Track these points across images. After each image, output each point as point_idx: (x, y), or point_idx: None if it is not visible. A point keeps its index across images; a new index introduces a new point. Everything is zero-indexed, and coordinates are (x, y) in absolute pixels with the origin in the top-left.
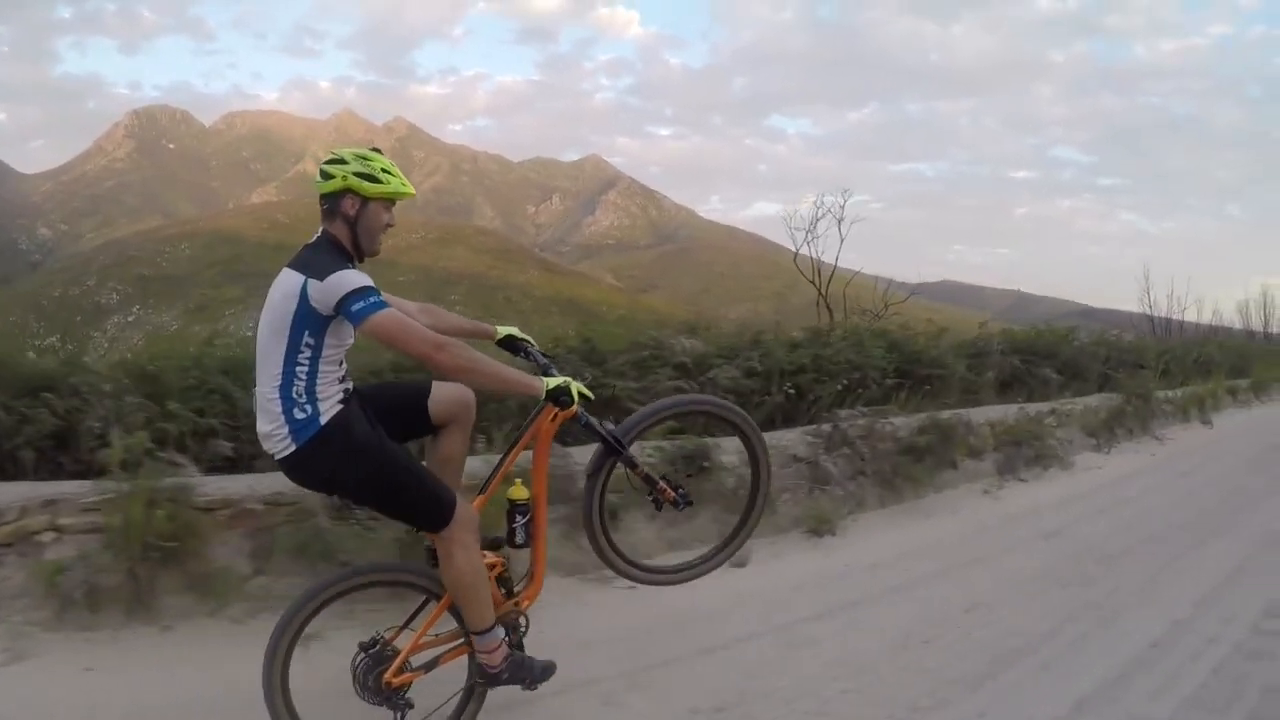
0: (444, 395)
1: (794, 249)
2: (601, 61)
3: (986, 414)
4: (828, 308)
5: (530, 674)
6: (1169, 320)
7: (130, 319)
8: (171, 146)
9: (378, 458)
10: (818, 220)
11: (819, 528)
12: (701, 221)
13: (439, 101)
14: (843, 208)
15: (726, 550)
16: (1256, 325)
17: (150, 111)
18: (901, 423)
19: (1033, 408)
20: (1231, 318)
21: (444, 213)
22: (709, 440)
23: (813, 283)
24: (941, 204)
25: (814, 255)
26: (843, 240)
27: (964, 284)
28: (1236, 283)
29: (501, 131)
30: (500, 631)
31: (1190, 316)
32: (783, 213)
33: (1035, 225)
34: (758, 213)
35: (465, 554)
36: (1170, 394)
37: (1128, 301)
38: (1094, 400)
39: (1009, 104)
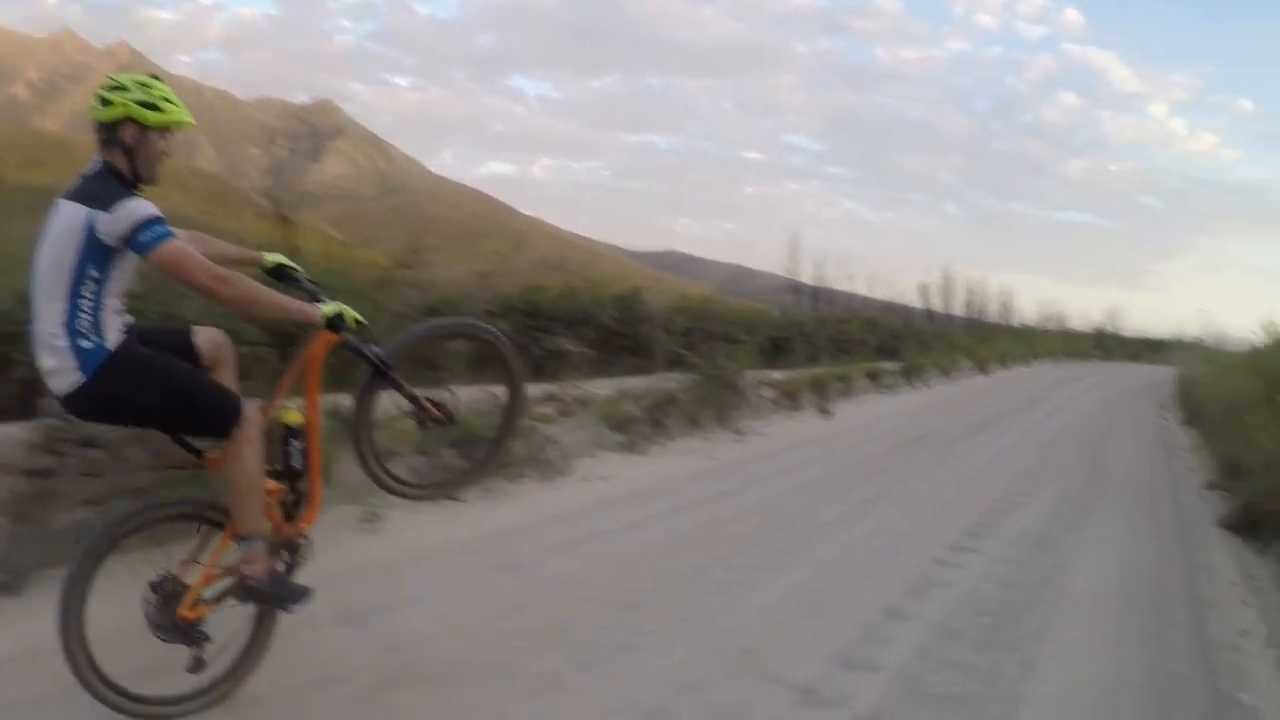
0: (206, 336)
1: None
2: (347, 2)
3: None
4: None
5: (290, 595)
6: (818, 290)
7: None
8: None
9: (167, 371)
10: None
11: None
12: (431, 176)
13: (170, 29)
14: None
15: (483, 468)
16: (936, 306)
17: None
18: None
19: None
20: (912, 298)
21: None
22: None
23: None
24: (673, 177)
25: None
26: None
27: (689, 255)
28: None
29: (232, 67)
30: (264, 543)
31: (861, 291)
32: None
33: (762, 204)
34: (489, 171)
35: (252, 452)
36: (778, 377)
37: (836, 280)
38: (642, 383)
39: (749, 87)
